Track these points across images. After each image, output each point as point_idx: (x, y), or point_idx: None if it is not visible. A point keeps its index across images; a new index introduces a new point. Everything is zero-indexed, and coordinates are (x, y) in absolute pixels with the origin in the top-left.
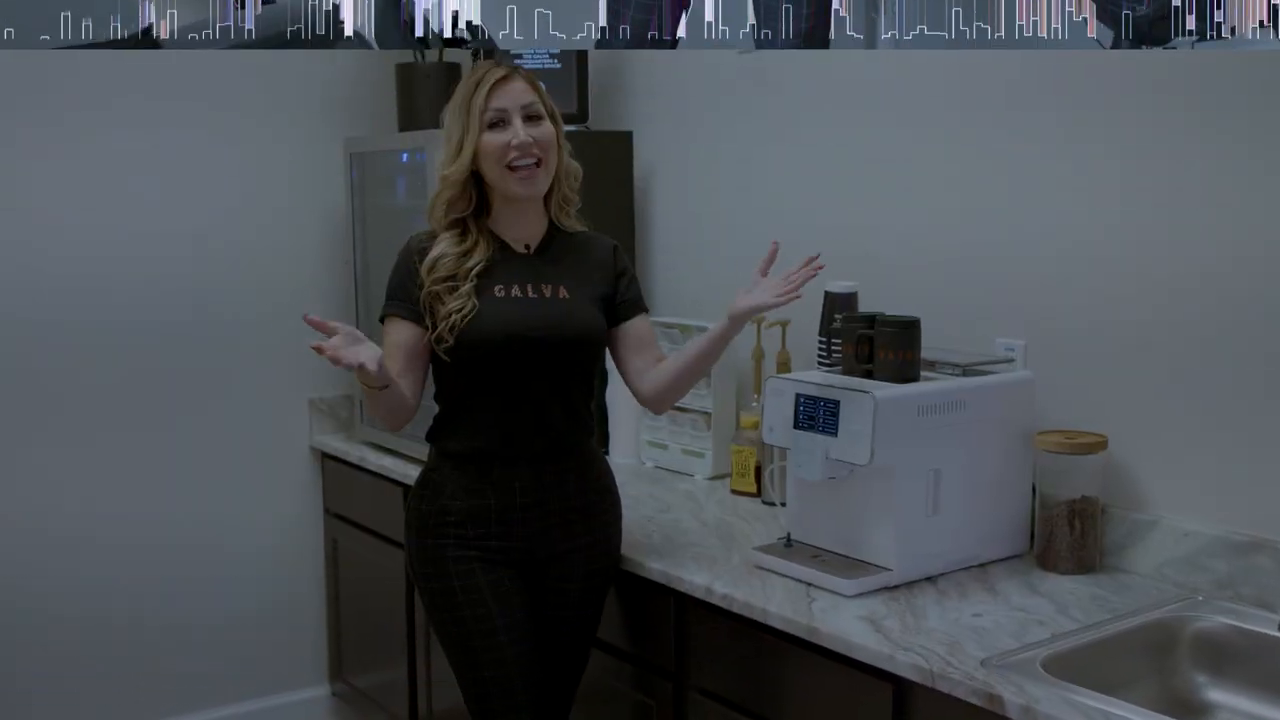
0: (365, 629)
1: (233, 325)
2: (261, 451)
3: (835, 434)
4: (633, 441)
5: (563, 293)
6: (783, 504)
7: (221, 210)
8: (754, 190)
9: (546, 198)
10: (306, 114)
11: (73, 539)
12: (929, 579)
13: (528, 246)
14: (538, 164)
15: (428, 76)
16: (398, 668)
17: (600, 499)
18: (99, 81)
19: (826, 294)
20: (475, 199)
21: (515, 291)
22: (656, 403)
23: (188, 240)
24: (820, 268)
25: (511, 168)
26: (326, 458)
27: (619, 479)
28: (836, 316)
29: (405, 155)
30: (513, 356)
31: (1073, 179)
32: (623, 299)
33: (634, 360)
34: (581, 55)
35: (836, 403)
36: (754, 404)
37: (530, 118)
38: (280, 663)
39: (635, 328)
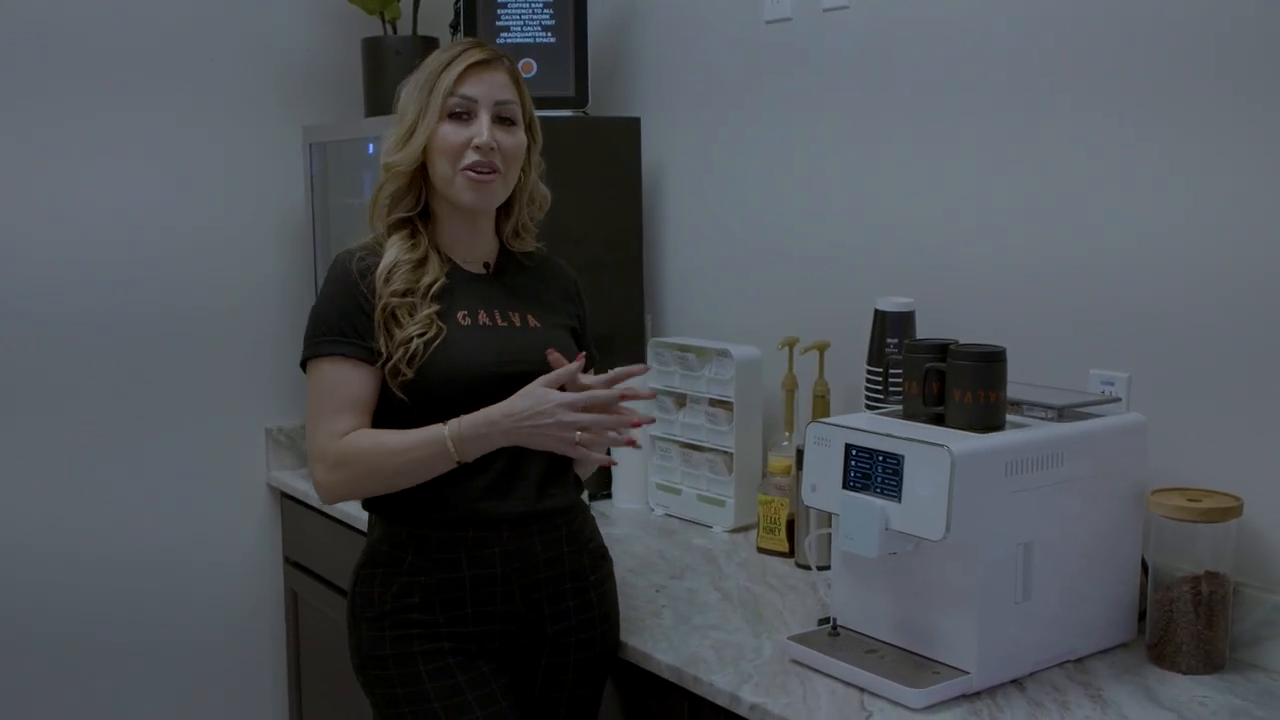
0: (330, 697)
1: (177, 344)
2: (212, 488)
3: (898, 498)
4: (640, 484)
5: (533, 321)
6: (820, 568)
7: (159, 211)
8: (785, 186)
9: (500, 219)
10: (258, 98)
11: None
12: (1014, 681)
13: (486, 265)
14: (494, 173)
15: (398, 53)
16: None
17: (594, 565)
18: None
19: (876, 312)
20: (422, 197)
21: (483, 318)
22: None
23: (119, 246)
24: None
25: (464, 169)
26: (285, 498)
27: (623, 528)
28: (890, 341)
29: (372, 146)
30: (488, 397)
31: (1189, 167)
32: (584, 348)
33: None
34: (580, 28)
35: (900, 458)
36: (785, 443)
37: (502, 119)
38: None
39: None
